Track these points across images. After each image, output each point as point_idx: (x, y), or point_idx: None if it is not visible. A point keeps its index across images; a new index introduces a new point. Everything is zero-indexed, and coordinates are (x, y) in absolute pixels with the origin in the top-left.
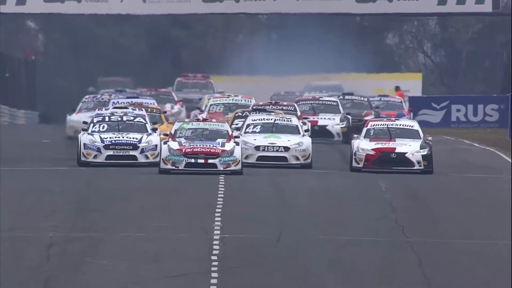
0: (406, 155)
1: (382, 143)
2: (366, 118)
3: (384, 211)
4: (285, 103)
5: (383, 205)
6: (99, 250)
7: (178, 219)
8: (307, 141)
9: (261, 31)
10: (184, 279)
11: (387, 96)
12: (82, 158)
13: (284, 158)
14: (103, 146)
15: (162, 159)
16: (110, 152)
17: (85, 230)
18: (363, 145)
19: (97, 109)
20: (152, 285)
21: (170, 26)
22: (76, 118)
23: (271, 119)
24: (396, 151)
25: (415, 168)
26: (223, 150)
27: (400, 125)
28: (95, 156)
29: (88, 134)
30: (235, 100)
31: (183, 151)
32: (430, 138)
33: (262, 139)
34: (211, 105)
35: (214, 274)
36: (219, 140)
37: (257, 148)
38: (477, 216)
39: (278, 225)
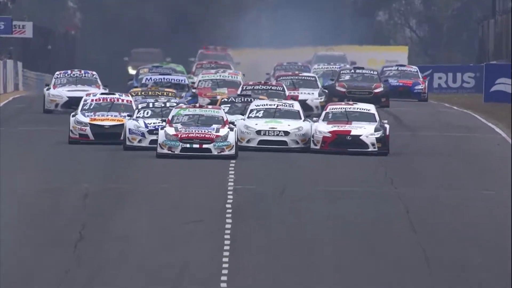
0: (361, 137)
1: (338, 126)
2: (375, 91)
3: (375, 165)
4: (274, 83)
5: (374, 161)
6: (128, 200)
7: (197, 175)
8: (306, 125)
9: (268, 8)
10: (202, 225)
11: (404, 66)
12: (128, 143)
13: (284, 142)
14: (147, 131)
15: (159, 144)
16: (154, 137)
17: (116, 182)
18: (320, 127)
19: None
20: (174, 230)
21: (188, 3)
22: (55, 92)
23: (274, 105)
24: (351, 133)
25: (369, 149)
26: (217, 136)
27: (358, 108)
28: (139, 141)
29: (133, 119)
30: (222, 76)
31: (179, 136)
32: (385, 121)
33: (263, 124)
34: (199, 81)
35: (229, 220)
36: (214, 126)
37: (258, 132)
38: (457, 169)
39: (282, 180)
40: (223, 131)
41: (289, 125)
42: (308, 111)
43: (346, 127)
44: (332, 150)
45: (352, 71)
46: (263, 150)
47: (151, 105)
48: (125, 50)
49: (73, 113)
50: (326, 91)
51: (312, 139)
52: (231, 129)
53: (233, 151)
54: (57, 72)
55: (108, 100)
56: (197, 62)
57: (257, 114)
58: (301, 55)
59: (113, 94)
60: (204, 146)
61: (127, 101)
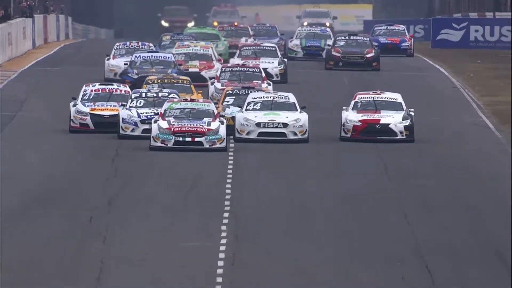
0: (390, 126)
1: (368, 115)
2: (367, 56)
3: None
4: (251, 65)
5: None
6: (149, 172)
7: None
8: (304, 117)
9: None
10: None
11: (392, 25)
12: (121, 132)
13: (283, 134)
14: (139, 120)
15: (152, 137)
16: (146, 126)
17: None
18: (351, 116)
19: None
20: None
21: None
22: (114, 62)
23: (270, 97)
24: (381, 122)
25: (398, 137)
26: (209, 129)
27: (385, 98)
28: (132, 130)
29: (126, 109)
30: (194, 50)
31: (172, 129)
32: (412, 110)
33: (262, 116)
34: (174, 54)
35: (228, 186)
36: (206, 119)
37: (258, 124)
38: (410, 101)
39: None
40: (214, 125)
41: (287, 117)
42: (269, 78)
43: (376, 116)
44: (362, 138)
45: (347, 37)
46: (263, 141)
47: (143, 94)
48: (159, 6)
49: (73, 103)
50: (286, 60)
51: (342, 127)
52: (222, 123)
53: (224, 144)
54: (117, 44)
55: (107, 91)
56: (219, 25)
57: (255, 107)
58: (288, 12)
59: (112, 84)
60: (196, 139)
61: (125, 91)
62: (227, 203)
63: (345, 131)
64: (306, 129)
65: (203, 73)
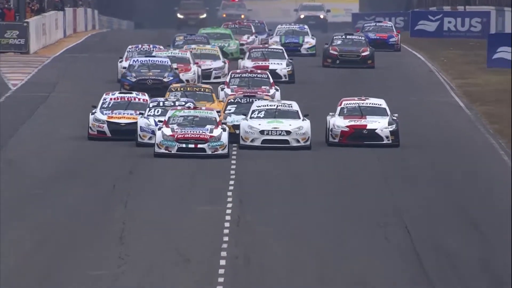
0: (376, 131)
1: (354, 121)
2: (363, 54)
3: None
4: (259, 71)
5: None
6: (162, 168)
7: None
8: (306, 125)
9: None
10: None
11: (381, 22)
12: (139, 140)
13: (286, 141)
14: (157, 128)
15: (157, 144)
16: None
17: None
18: (338, 122)
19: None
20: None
21: None
22: (126, 64)
23: (274, 105)
24: (367, 127)
25: (384, 142)
26: (211, 136)
27: (370, 103)
28: (150, 138)
29: (144, 118)
30: (173, 53)
31: (175, 136)
32: (396, 115)
33: (266, 124)
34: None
35: (231, 182)
36: (208, 127)
37: (262, 132)
38: (392, 83)
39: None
40: (217, 132)
41: (290, 124)
42: (278, 79)
43: (362, 122)
44: (349, 144)
45: (344, 37)
46: (266, 148)
47: (161, 103)
48: (175, 0)
49: (93, 111)
50: (292, 60)
51: (330, 133)
52: (224, 130)
53: (225, 151)
54: (129, 46)
55: (126, 99)
56: (224, 23)
57: (259, 115)
58: (286, 5)
59: (131, 93)
60: (199, 146)
61: (143, 100)
62: (232, 172)
63: (333, 136)
64: (309, 137)
65: (180, 75)
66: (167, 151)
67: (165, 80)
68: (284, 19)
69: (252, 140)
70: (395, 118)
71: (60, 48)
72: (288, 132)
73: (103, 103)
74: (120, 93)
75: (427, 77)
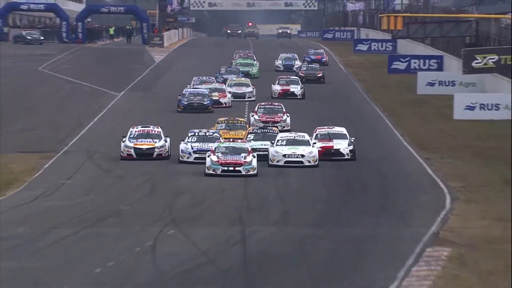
0: (340, 150)
1: (325, 143)
2: (319, 75)
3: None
4: (276, 104)
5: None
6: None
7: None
8: (315, 150)
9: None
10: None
11: (317, 49)
12: (180, 159)
13: (301, 162)
14: (192, 151)
15: (207, 167)
16: (197, 155)
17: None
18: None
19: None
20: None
21: None
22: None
23: (292, 136)
24: (334, 148)
25: (345, 157)
26: (245, 161)
27: (335, 130)
28: (187, 157)
29: (184, 143)
30: (214, 86)
31: (220, 162)
32: (353, 138)
33: (287, 150)
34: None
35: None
36: (243, 154)
37: (284, 155)
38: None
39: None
40: (249, 158)
41: (304, 150)
42: (295, 97)
43: (330, 144)
44: (321, 159)
45: (307, 64)
46: (287, 167)
47: (196, 133)
48: (227, 22)
49: (123, 139)
50: (303, 86)
51: None
52: (254, 157)
53: (255, 172)
54: (194, 78)
55: (146, 131)
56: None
57: (282, 143)
58: (265, 29)
59: (149, 127)
60: (237, 168)
61: (157, 131)
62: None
63: None
64: (317, 159)
65: (220, 100)
66: (214, 172)
67: (204, 103)
68: (269, 32)
69: (278, 161)
70: (352, 140)
71: (175, 45)
72: (302, 155)
73: (130, 134)
74: (142, 126)
75: (337, 69)
